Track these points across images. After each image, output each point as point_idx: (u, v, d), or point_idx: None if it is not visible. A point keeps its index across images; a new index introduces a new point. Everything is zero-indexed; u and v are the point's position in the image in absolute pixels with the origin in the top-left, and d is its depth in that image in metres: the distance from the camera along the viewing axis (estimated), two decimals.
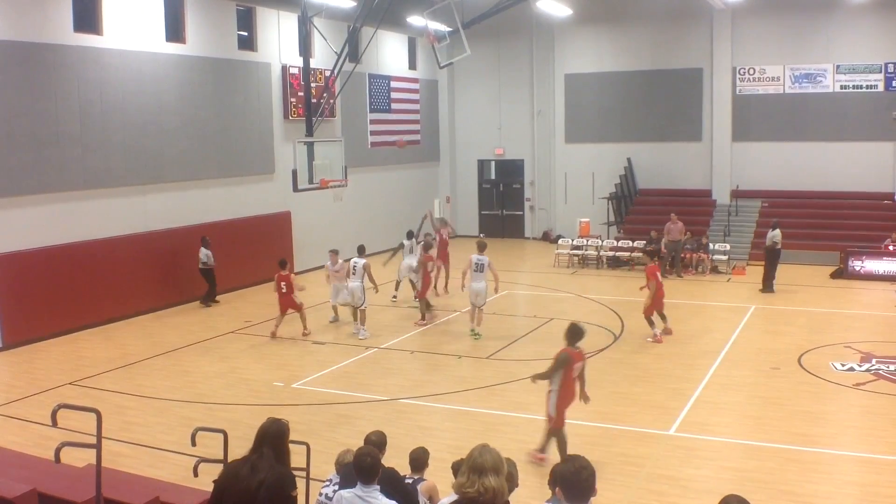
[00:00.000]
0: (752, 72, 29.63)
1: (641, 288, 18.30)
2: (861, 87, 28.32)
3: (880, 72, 28.03)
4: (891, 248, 24.30)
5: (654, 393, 14.02)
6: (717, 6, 28.31)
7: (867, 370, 15.01)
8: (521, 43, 32.67)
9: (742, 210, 28.87)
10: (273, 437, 5.59)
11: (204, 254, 21.45)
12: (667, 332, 17.75)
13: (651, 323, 17.58)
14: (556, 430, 10.92)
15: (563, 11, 28.82)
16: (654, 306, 17.59)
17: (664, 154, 30.85)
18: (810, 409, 13.17)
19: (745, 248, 27.12)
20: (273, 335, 17.98)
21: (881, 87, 28.05)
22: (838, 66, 28.44)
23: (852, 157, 28.29)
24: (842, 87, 28.53)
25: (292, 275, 18.71)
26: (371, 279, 18.35)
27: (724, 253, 26.03)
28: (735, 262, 25.98)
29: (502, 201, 34.46)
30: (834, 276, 24.48)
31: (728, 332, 18.08)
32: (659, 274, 17.93)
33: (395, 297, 21.93)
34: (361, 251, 18.97)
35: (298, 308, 18.12)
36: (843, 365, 15.34)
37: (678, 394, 13.87)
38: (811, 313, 20.21)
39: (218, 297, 22.03)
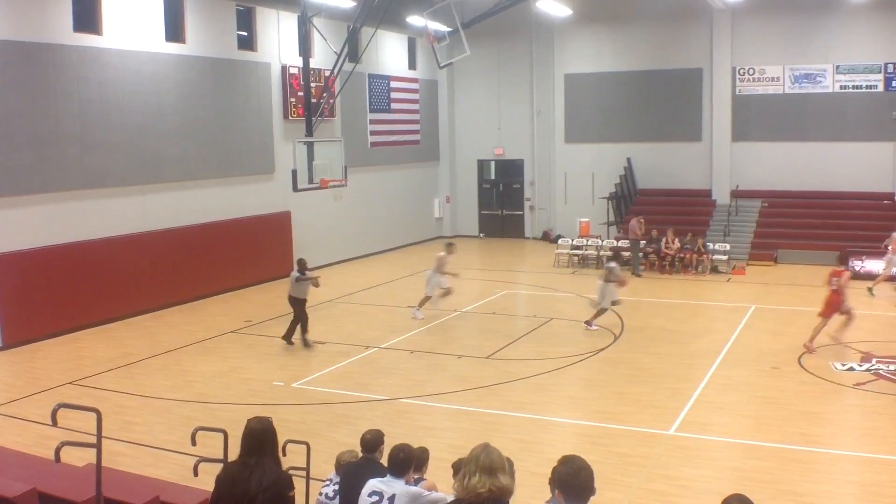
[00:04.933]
0: (751, 72, 29.61)
1: None
2: (861, 87, 28.30)
3: (880, 72, 28.01)
4: (889, 248, 24.25)
5: (654, 393, 14.01)
6: (716, 6, 28.29)
7: (867, 370, 15.00)
8: (521, 43, 32.66)
9: (742, 210, 28.86)
10: (259, 437, 5.57)
11: (292, 276, 17.71)
12: None
13: None
14: None
15: (563, 11, 28.83)
16: None
17: (664, 154, 30.84)
18: (810, 409, 13.17)
19: (744, 248, 27.10)
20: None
21: (881, 88, 28.01)
22: (838, 67, 28.42)
23: (852, 157, 28.24)
24: (841, 87, 28.50)
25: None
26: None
27: (724, 253, 26.02)
28: (735, 262, 25.98)
29: (502, 201, 34.45)
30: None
31: (728, 332, 18.07)
32: None
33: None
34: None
35: None
36: (843, 365, 15.33)
37: (678, 393, 13.87)
38: (811, 313, 20.12)
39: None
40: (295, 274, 17.60)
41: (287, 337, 17.47)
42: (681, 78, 30.43)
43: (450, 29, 25.34)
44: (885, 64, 27.85)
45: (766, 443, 11.70)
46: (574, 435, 12.38)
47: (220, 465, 6.28)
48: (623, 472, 10.62)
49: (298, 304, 17.45)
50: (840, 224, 27.06)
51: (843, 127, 28.40)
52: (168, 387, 14.77)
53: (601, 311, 18.46)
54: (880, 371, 14.90)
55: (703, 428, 12.35)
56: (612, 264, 19.17)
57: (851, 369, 15.07)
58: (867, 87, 28.18)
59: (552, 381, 14.76)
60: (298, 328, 17.42)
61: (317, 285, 17.75)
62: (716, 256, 25.82)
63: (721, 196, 29.78)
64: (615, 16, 30.98)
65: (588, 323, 18.48)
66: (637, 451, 11.46)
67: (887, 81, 27.93)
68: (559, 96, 32.47)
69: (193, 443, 8.06)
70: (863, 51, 28.04)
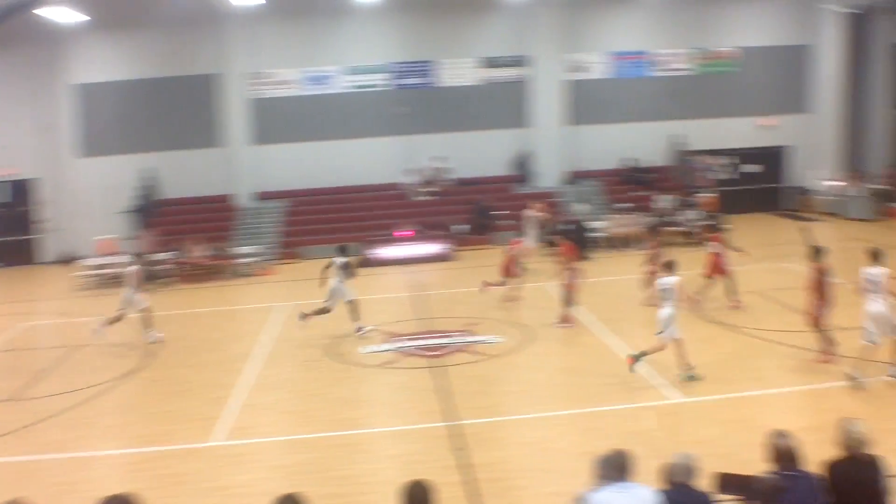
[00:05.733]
0: (267, 76, 30.49)
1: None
2: (369, 86, 30.75)
3: (384, 72, 30.79)
4: (404, 234, 26.43)
5: (196, 405, 13.65)
6: (229, 11, 28.41)
7: (393, 349, 16.20)
8: (23, 52, 29.40)
9: (266, 212, 29.53)
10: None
11: None
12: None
13: None
14: None
15: (72, 18, 26.85)
16: None
17: (185, 162, 30.35)
18: (348, 395, 13.87)
19: (271, 249, 27.59)
20: None
21: (385, 87, 30.84)
22: (347, 68, 30.65)
23: (366, 153, 30.69)
24: (352, 87, 30.76)
25: None
26: None
27: (250, 255, 26.26)
28: (261, 264, 26.29)
29: (14, 225, 31.24)
30: (357, 265, 25.94)
31: (260, 333, 18.15)
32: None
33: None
34: None
35: None
36: (371, 347, 16.39)
37: (220, 402, 13.65)
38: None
39: None
40: None
41: None
42: (198, 84, 30.22)
43: None
44: (389, 64, 30.80)
45: (311, 434, 12.08)
46: (118, 466, 11.64)
47: None
48: (175, 493, 10.24)
49: None
50: (359, 216, 28.88)
51: (355, 125, 30.70)
52: None
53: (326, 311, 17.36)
54: (404, 349, 16.18)
55: (250, 432, 12.37)
56: (342, 259, 17.73)
57: (379, 351, 16.17)
58: (374, 86, 30.81)
59: (88, 413, 13.69)
60: None
61: None
62: (241, 260, 25.94)
63: (244, 200, 30.18)
64: (129, 22, 29.48)
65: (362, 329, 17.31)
66: (186, 468, 11.10)
67: (391, 80, 30.84)
68: (70, 108, 30.20)
69: None
70: (370, 53, 30.66)
